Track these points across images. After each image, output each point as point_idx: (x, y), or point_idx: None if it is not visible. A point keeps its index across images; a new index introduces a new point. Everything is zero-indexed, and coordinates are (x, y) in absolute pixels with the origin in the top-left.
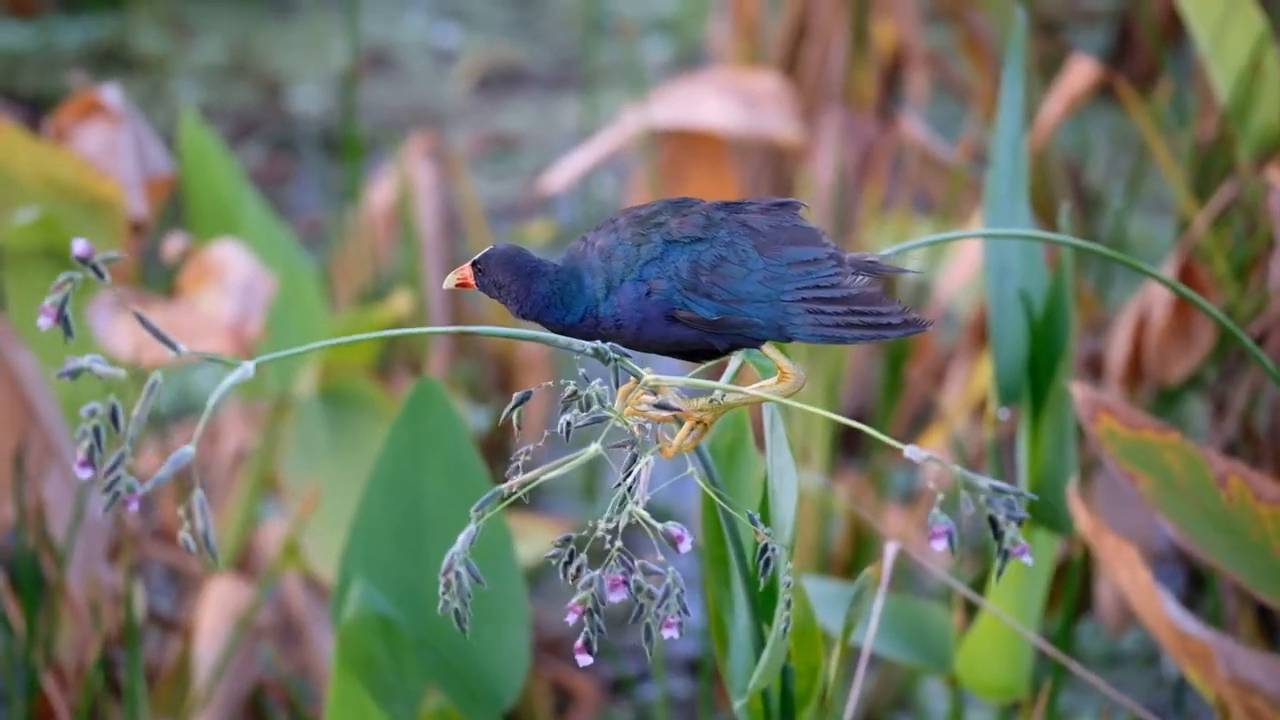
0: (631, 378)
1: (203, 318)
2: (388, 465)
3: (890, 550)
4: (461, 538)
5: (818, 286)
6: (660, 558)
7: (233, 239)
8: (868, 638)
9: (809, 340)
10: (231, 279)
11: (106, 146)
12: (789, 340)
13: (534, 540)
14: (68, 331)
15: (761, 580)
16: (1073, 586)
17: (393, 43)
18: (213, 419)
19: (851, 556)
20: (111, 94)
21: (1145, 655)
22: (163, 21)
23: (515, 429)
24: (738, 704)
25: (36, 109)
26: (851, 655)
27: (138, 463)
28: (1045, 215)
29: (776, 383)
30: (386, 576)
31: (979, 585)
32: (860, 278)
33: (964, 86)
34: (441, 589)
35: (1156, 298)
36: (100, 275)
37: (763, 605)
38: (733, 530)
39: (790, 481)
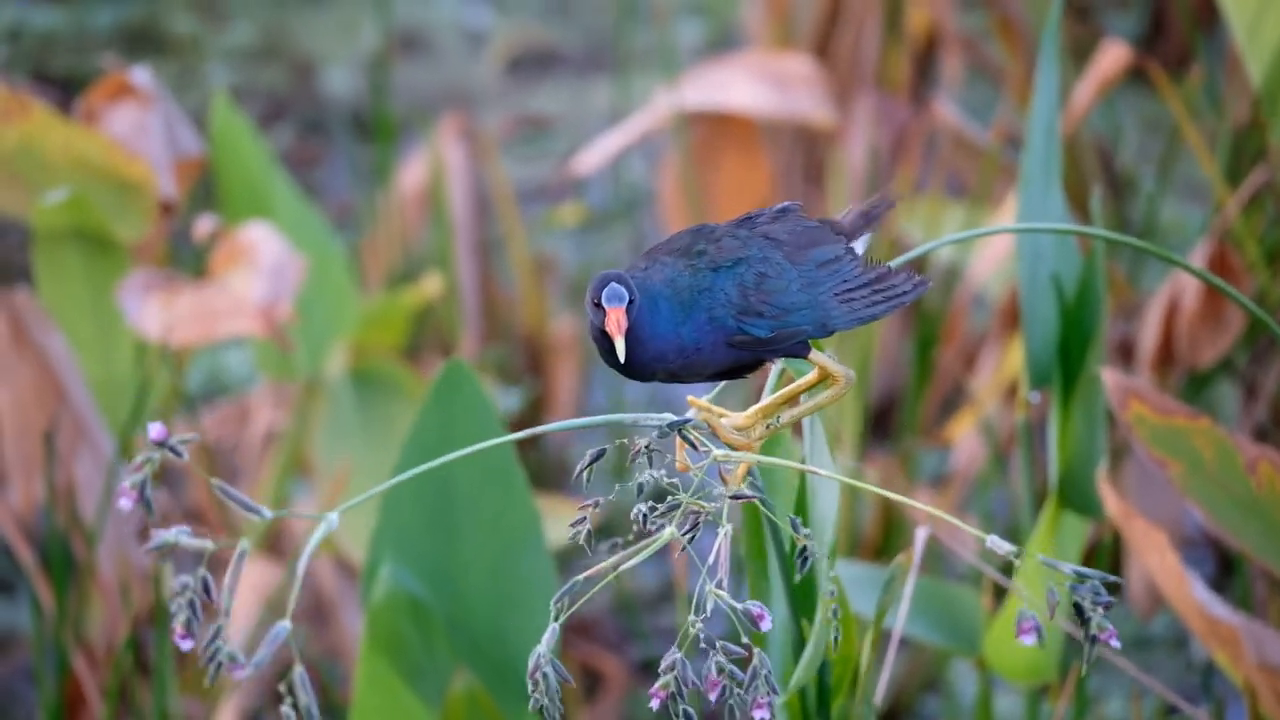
0: (683, 435)
1: (233, 299)
2: (417, 447)
3: (921, 534)
4: (546, 637)
5: (845, 281)
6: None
7: (263, 221)
8: (898, 621)
9: (847, 327)
10: (262, 260)
11: (137, 128)
12: (830, 334)
13: (562, 521)
14: (149, 510)
15: (797, 576)
16: (1102, 570)
17: (424, 24)
18: (243, 399)
19: (881, 539)
20: (142, 75)
21: (1174, 639)
22: (194, 3)
23: (584, 482)
24: (777, 701)
25: (68, 90)
26: (881, 638)
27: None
28: (1077, 199)
29: (817, 382)
30: (416, 558)
31: (1008, 568)
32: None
33: (997, 70)
34: (530, 688)
35: (1188, 283)
36: (179, 455)
37: (800, 599)
38: (772, 525)
39: (831, 484)
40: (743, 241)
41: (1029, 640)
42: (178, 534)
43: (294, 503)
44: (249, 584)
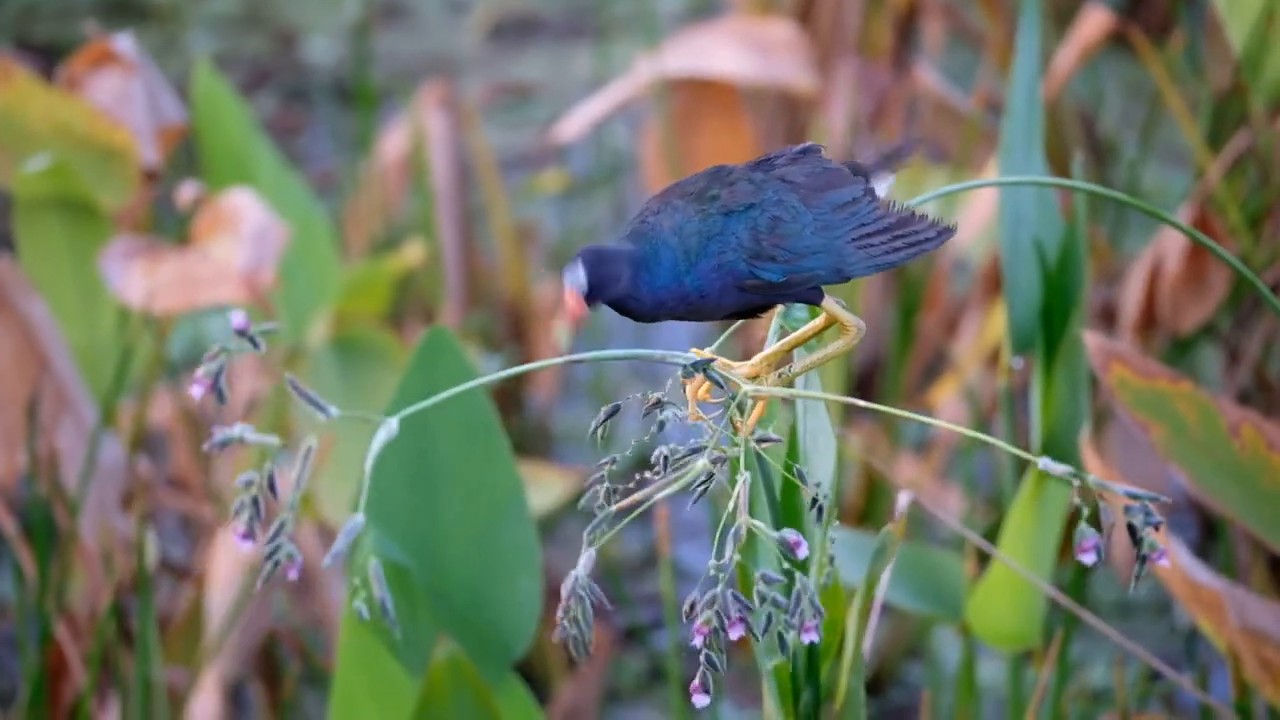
0: (699, 374)
1: (216, 266)
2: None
3: (904, 500)
4: (582, 560)
5: (863, 224)
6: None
7: (246, 188)
8: (881, 586)
9: (864, 274)
10: (245, 228)
11: (119, 95)
12: (847, 280)
13: (546, 488)
14: (220, 399)
15: (815, 529)
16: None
17: None
18: (226, 366)
19: (865, 505)
20: (125, 43)
21: (1157, 605)
22: None
23: (599, 441)
24: (769, 665)
25: (50, 58)
26: (868, 605)
27: (150, 409)
28: (1058, 165)
29: (823, 329)
30: (398, 525)
31: (991, 534)
32: (893, 204)
33: (978, 35)
34: (561, 614)
35: (1170, 247)
36: (256, 347)
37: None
38: (768, 483)
39: (827, 443)
40: (757, 185)
41: (1089, 559)
42: (242, 431)
43: (276, 470)
44: (229, 551)
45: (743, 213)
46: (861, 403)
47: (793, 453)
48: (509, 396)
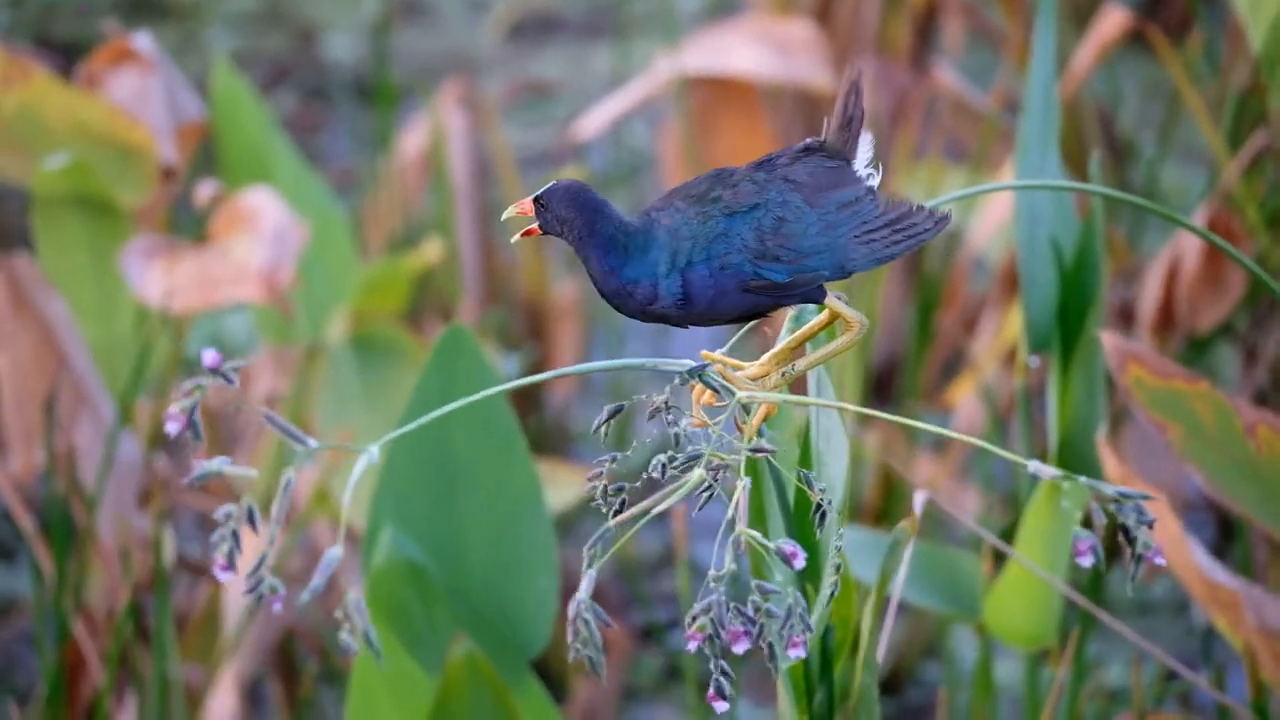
0: (705, 380)
1: (235, 265)
2: (418, 412)
3: (920, 499)
4: (584, 584)
5: (865, 222)
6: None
7: (264, 186)
8: (897, 586)
9: (866, 268)
10: (263, 226)
11: (138, 93)
12: (849, 275)
13: (563, 487)
14: (196, 436)
15: (816, 534)
16: (1101, 536)
17: None
18: (244, 364)
19: (882, 504)
20: (144, 41)
21: (1174, 604)
22: None
23: (603, 439)
24: (782, 665)
25: (69, 56)
26: (881, 603)
27: (167, 407)
28: (1076, 164)
29: (827, 325)
30: (416, 524)
31: (1008, 534)
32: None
33: (997, 35)
34: (571, 636)
35: (1188, 246)
36: (230, 382)
37: (805, 562)
38: (779, 485)
39: (839, 444)
40: (760, 186)
41: (1086, 562)
42: (220, 463)
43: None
44: (248, 549)
45: (746, 213)
46: (862, 409)
47: (805, 454)
48: (527, 395)
